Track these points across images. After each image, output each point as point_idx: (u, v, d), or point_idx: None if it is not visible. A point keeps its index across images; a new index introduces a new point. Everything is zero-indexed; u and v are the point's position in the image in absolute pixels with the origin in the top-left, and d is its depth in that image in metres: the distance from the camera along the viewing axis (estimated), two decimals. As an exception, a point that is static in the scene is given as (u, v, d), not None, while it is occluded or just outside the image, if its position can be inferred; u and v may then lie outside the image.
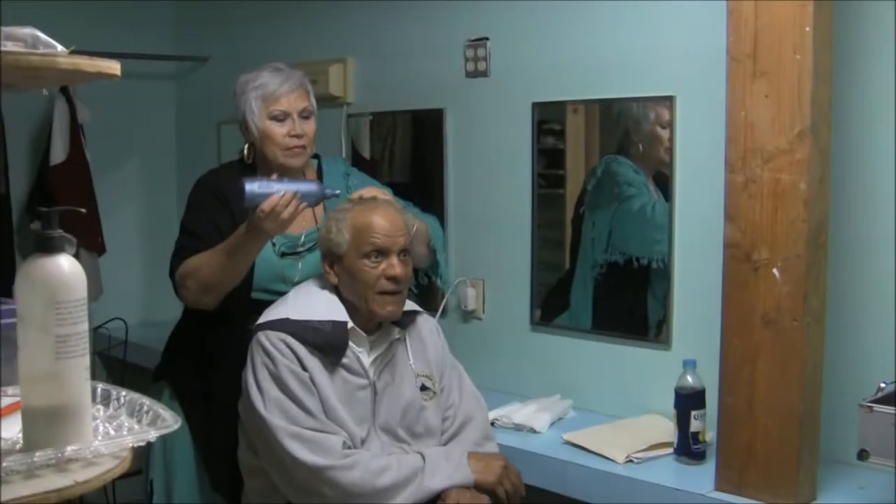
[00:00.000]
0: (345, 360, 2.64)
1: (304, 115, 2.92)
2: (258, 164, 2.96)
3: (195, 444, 2.97)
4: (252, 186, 2.66)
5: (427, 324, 2.88)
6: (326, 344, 2.61)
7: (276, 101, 2.89)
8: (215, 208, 2.88)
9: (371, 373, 2.68)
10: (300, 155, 2.90)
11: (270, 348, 2.59)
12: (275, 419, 2.54)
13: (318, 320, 2.64)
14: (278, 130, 2.89)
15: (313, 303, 2.69)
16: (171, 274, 2.89)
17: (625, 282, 3.24)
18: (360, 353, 2.67)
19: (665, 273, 3.11)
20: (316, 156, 3.04)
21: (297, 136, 2.90)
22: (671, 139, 3.05)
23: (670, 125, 3.06)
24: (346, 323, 2.65)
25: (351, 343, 2.65)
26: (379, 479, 2.52)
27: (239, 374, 2.69)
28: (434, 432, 2.77)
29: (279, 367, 2.57)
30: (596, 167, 3.29)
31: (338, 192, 2.79)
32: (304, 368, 2.59)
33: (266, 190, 2.66)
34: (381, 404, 2.69)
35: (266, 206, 2.61)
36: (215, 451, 2.89)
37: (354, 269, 2.64)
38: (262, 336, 2.63)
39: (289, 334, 2.60)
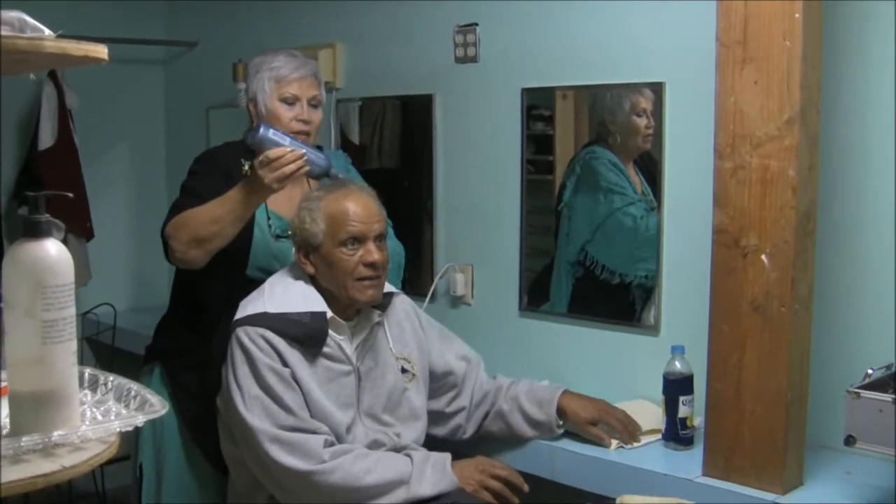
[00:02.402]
0: (326, 349, 2.64)
1: (313, 103, 3.01)
2: None
3: (185, 425, 2.98)
4: (267, 131, 2.73)
5: (403, 304, 2.90)
6: (306, 336, 2.61)
7: (288, 84, 2.97)
8: (217, 178, 2.88)
9: (354, 359, 2.68)
10: (304, 141, 2.93)
11: (249, 345, 2.58)
12: (255, 420, 2.54)
13: (297, 312, 2.63)
14: (286, 113, 2.96)
15: (290, 294, 2.68)
16: (163, 229, 2.84)
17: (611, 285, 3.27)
18: (342, 341, 2.67)
19: (649, 289, 3.14)
20: (318, 147, 3.05)
21: (304, 122, 2.97)
22: (659, 126, 3.05)
23: (658, 112, 3.05)
24: (324, 313, 2.65)
25: (331, 332, 2.65)
26: (361, 481, 2.53)
27: None
28: (419, 414, 2.79)
29: (258, 364, 2.56)
30: (574, 162, 3.30)
31: (341, 176, 2.81)
32: (285, 363, 2.58)
33: (278, 139, 2.73)
34: (365, 389, 2.70)
35: (273, 153, 2.66)
36: (207, 429, 2.89)
37: (331, 258, 2.64)
38: (240, 332, 2.62)
39: (268, 329, 2.60)
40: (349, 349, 2.68)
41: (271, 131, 2.76)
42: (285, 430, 2.54)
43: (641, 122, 3.11)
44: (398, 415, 2.75)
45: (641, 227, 3.13)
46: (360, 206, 2.66)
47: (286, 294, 2.68)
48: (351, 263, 2.63)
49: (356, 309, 2.72)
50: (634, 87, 3.12)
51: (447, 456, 2.68)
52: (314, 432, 2.56)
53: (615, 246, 3.22)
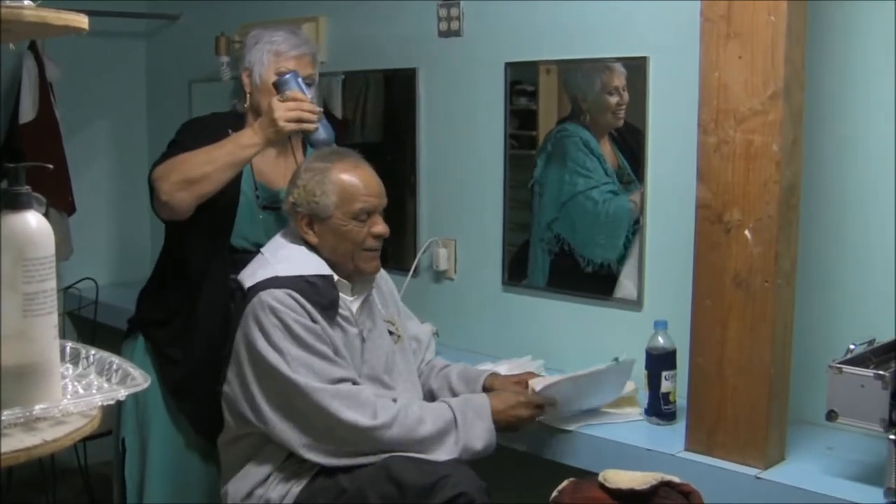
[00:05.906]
0: (342, 311, 2.64)
1: (308, 81, 2.98)
2: (250, 116, 3.00)
3: (168, 392, 2.99)
4: (296, 77, 2.82)
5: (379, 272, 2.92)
6: (324, 298, 2.61)
7: (286, 59, 2.98)
8: (203, 143, 2.84)
9: (357, 321, 2.69)
10: None
11: (278, 306, 2.54)
12: (309, 380, 2.50)
13: (308, 275, 2.63)
14: None
15: (293, 258, 2.67)
16: (150, 174, 2.81)
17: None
18: (350, 302, 2.68)
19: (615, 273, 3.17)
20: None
21: None
22: (643, 101, 3.05)
23: (641, 87, 3.05)
24: (332, 276, 2.66)
25: (341, 294, 2.66)
26: (416, 432, 2.54)
27: (217, 320, 2.67)
28: (408, 376, 2.80)
29: (292, 324, 2.53)
30: (547, 140, 3.31)
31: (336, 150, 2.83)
32: (314, 320, 2.57)
33: (303, 88, 2.81)
34: (367, 351, 2.70)
35: (293, 94, 2.74)
36: (190, 395, 2.90)
37: (341, 230, 2.66)
38: (265, 296, 2.57)
39: (290, 289, 2.57)
40: (354, 310, 2.70)
41: (300, 79, 2.81)
42: (335, 382, 2.52)
43: (613, 99, 3.13)
44: (394, 377, 2.76)
45: (602, 212, 3.14)
46: (370, 179, 2.71)
47: (289, 259, 2.67)
48: (361, 235, 2.67)
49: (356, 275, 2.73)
50: (606, 66, 3.12)
51: (485, 401, 2.68)
52: (357, 382, 2.58)
53: (578, 227, 3.24)
